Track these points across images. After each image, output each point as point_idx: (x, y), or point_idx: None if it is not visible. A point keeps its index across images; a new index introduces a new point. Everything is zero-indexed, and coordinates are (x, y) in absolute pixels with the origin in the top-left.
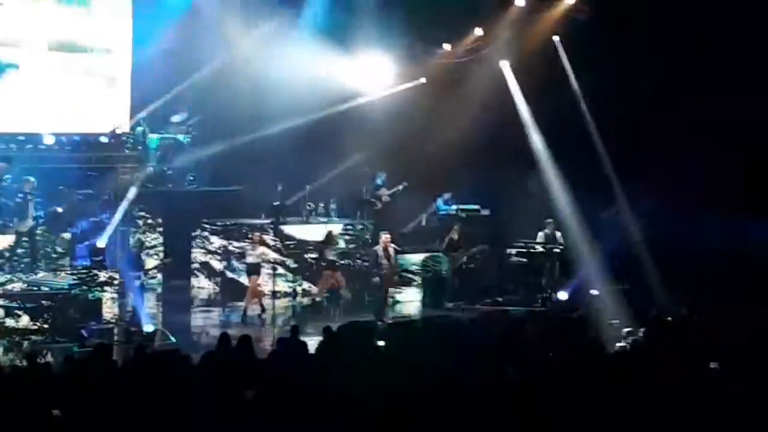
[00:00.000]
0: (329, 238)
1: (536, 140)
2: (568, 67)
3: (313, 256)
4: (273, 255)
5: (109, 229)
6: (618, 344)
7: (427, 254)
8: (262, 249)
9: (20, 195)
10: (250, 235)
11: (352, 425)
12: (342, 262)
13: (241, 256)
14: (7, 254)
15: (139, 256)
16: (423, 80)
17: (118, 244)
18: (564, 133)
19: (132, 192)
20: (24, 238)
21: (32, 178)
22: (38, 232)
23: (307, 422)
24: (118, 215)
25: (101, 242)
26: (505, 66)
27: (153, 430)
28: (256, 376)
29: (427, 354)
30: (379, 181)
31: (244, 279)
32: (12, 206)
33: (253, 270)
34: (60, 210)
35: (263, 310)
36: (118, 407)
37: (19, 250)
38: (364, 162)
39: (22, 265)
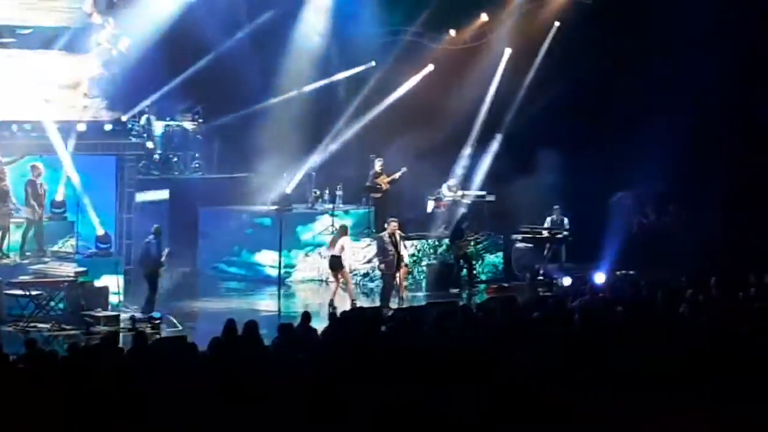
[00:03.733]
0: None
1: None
2: (542, 52)
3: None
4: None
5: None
6: None
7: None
8: (343, 240)
9: (29, 181)
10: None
11: (357, 415)
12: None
13: None
14: (17, 242)
15: (157, 245)
16: (431, 67)
17: (124, 231)
18: (571, 118)
19: None
20: (33, 226)
21: (39, 164)
22: (45, 219)
23: (310, 410)
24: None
25: (100, 229)
26: (506, 54)
27: (158, 418)
28: (262, 364)
29: (432, 339)
30: (377, 168)
31: None
32: (22, 193)
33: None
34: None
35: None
36: (123, 394)
37: (28, 237)
38: (369, 148)
39: (28, 253)
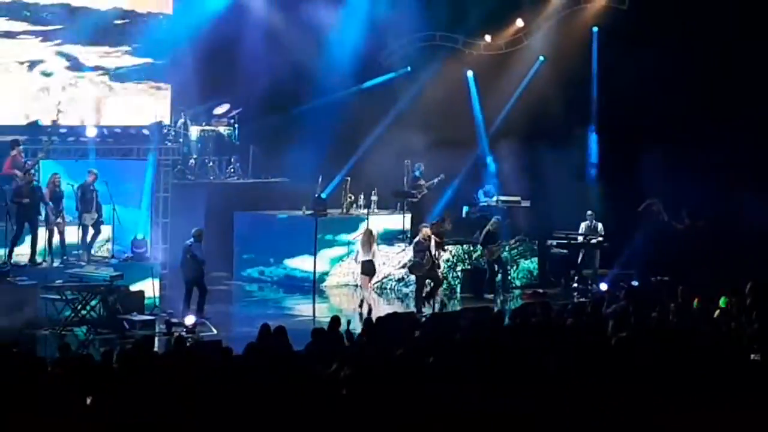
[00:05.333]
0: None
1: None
2: (595, 61)
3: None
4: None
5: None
6: None
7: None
8: (374, 246)
9: (85, 187)
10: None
11: (388, 417)
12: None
13: None
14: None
15: (199, 248)
16: (470, 73)
17: (160, 236)
18: (606, 124)
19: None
20: (84, 230)
21: (95, 170)
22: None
23: (344, 414)
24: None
25: (140, 234)
26: (540, 59)
27: (192, 423)
28: (292, 368)
29: (467, 345)
30: (417, 173)
31: None
32: (81, 199)
33: (368, 270)
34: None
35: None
36: (158, 399)
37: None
38: (405, 153)
39: (65, 257)
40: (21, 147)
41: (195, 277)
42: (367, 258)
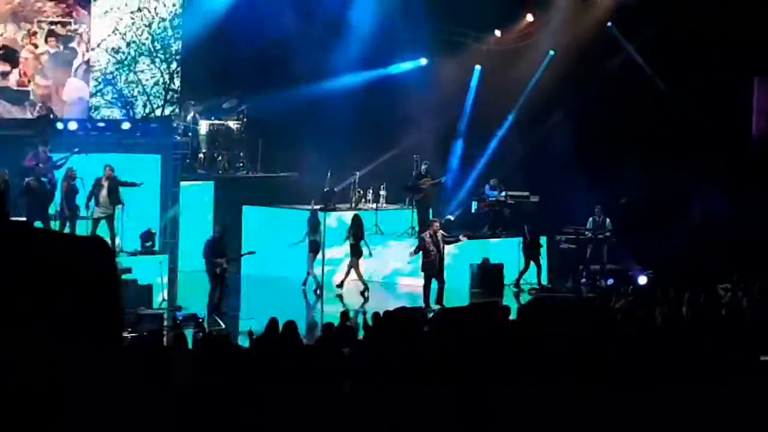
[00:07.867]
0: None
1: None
2: (633, 51)
3: None
4: None
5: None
6: None
7: None
8: None
9: (99, 181)
10: None
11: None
12: None
13: None
14: None
15: (221, 242)
16: (478, 67)
17: (168, 230)
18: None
19: None
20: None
21: (111, 164)
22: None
23: (354, 408)
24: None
25: (149, 228)
26: (550, 54)
27: (202, 417)
28: (302, 363)
29: (475, 339)
30: (422, 170)
31: None
32: (92, 192)
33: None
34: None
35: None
36: (163, 393)
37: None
38: (414, 148)
39: None
40: (48, 147)
41: (207, 271)
42: (314, 239)
